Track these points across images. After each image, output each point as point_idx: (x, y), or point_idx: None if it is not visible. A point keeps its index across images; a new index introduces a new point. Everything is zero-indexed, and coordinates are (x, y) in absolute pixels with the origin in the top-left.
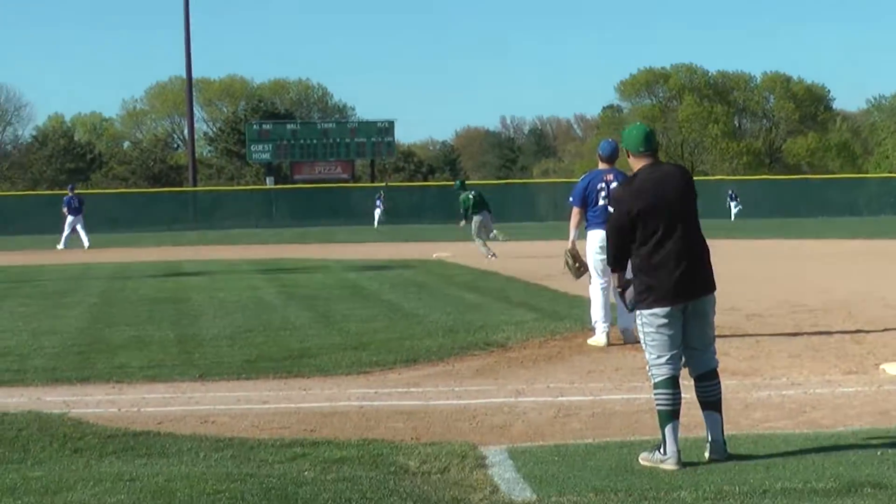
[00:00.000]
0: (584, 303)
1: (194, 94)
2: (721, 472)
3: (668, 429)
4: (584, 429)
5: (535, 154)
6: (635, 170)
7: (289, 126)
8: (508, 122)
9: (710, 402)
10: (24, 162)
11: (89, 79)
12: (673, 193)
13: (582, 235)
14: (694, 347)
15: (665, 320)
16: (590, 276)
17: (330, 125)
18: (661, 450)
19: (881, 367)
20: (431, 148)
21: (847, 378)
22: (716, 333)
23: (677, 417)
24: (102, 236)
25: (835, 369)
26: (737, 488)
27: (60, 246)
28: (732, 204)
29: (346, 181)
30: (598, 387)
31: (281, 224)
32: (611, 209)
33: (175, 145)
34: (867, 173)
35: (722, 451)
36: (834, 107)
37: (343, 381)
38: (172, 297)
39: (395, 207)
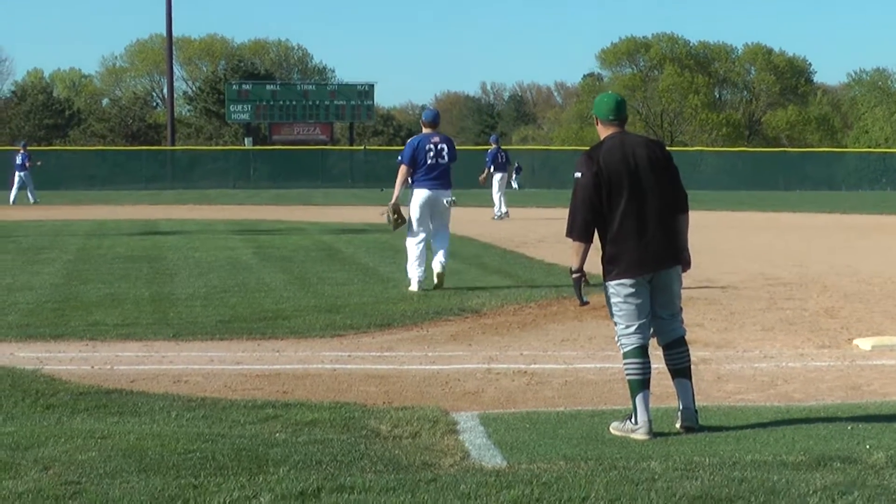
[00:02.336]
0: (560, 271)
1: (174, 52)
2: (691, 443)
3: (638, 398)
4: (555, 397)
5: (514, 120)
6: (602, 138)
7: (268, 87)
8: (488, 87)
9: (680, 369)
10: (3, 117)
11: (69, 35)
12: (640, 163)
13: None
14: (661, 317)
15: (632, 290)
16: (409, 230)
17: (310, 87)
18: (632, 419)
19: (854, 341)
20: (411, 112)
21: (820, 352)
22: (687, 305)
23: (647, 387)
24: (80, 193)
25: (808, 343)
26: (707, 459)
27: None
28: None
29: (324, 143)
30: (571, 355)
31: (259, 185)
32: (576, 175)
33: (154, 104)
34: (846, 147)
35: (693, 419)
36: (814, 80)
37: (317, 343)
38: (148, 256)
39: (374, 171)
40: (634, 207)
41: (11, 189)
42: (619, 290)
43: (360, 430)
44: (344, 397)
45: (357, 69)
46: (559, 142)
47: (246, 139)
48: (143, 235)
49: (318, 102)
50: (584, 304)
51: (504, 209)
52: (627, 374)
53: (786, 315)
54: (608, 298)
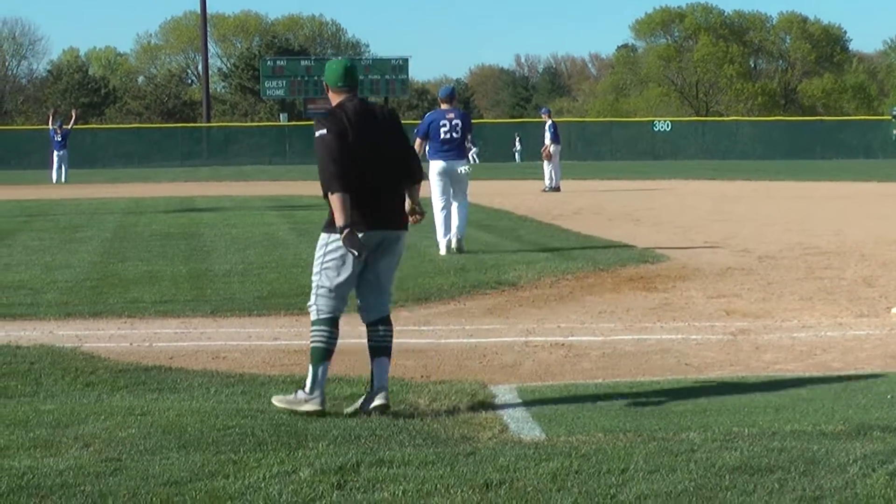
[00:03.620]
0: (596, 242)
1: (209, 29)
2: (730, 413)
3: (320, 369)
4: (593, 369)
5: (549, 93)
6: (335, 103)
7: (303, 62)
8: (523, 60)
9: (382, 347)
10: (39, 96)
11: (104, 13)
12: (376, 128)
13: None
14: (370, 292)
15: (350, 255)
16: (432, 200)
17: None
18: (307, 389)
19: (893, 310)
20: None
21: (858, 321)
22: (724, 275)
23: (329, 359)
24: (116, 171)
25: (846, 312)
26: (746, 430)
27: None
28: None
29: None
30: (608, 327)
31: (294, 161)
32: (322, 132)
33: (189, 81)
34: (883, 115)
35: (387, 396)
36: (850, 48)
37: (354, 318)
38: (185, 233)
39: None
40: (372, 169)
41: (51, 169)
42: (336, 248)
43: (398, 405)
44: None
45: (391, 43)
46: (594, 114)
47: (281, 115)
48: (180, 212)
49: None
50: (359, 257)
51: (555, 182)
52: (313, 341)
53: (824, 284)
54: (320, 258)
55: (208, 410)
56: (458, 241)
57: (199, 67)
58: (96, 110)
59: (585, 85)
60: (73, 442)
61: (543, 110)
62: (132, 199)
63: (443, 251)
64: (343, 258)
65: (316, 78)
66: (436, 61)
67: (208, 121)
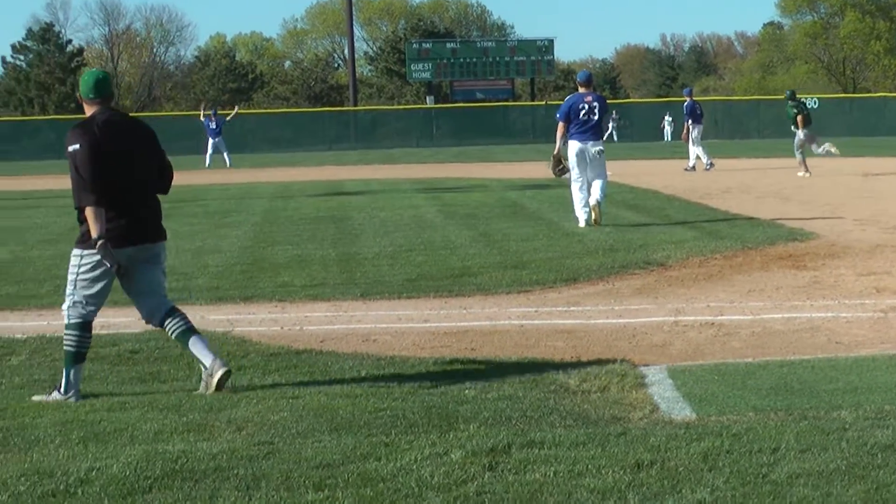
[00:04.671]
0: (745, 220)
1: (354, 13)
2: (882, 391)
3: (72, 370)
4: (743, 348)
5: (695, 72)
6: (88, 115)
7: (448, 45)
8: (668, 39)
9: (185, 330)
10: (187, 82)
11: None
12: (134, 141)
13: None
14: (147, 299)
15: (104, 267)
16: (568, 178)
17: (489, 44)
18: (62, 390)
19: None
20: (591, 66)
21: None
22: (874, 253)
23: (82, 361)
24: (264, 156)
25: None
26: None
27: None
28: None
29: (505, 100)
30: (758, 306)
31: (441, 143)
32: (74, 147)
33: (335, 65)
34: None
35: (222, 362)
36: None
37: (503, 299)
38: (333, 216)
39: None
40: (124, 182)
41: (206, 153)
42: (91, 259)
43: (548, 386)
44: (531, 353)
45: (536, 25)
46: (741, 92)
47: (427, 98)
48: (328, 196)
49: (498, 59)
50: (116, 268)
51: (707, 160)
52: (66, 345)
53: None
54: (75, 268)
55: (359, 393)
56: (594, 207)
57: (346, 51)
58: (244, 95)
59: (732, 63)
60: (226, 426)
61: (686, 90)
62: (281, 184)
63: (581, 224)
64: (97, 274)
65: (462, 60)
66: (581, 42)
67: (355, 104)
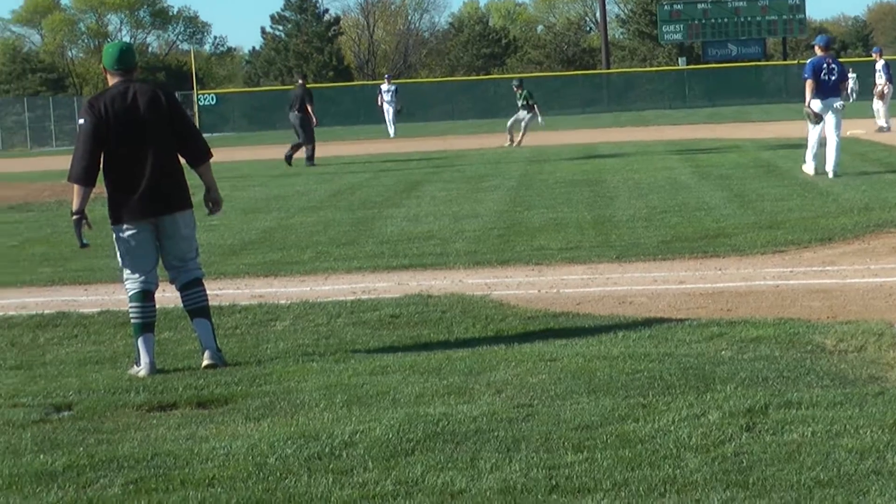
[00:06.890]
0: None
1: None
2: None
3: (140, 341)
4: None
5: None
6: (110, 85)
7: (700, 6)
8: None
9: (197, 309)
10: (441, 49)
11: None
12: (143, 112)
13: None
14: (171, 263)
15: (134, 231)
16: (813, 125)
17: (741, 3)
18: (137, 361)
19: None
20: (843, 24)
21: None
22: None
23: (151, 330)
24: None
25: None
26: None
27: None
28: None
29: (757, 60)
30: None
31: (694, 105)
32: (80, 122)
33: (588, 28)
34: None
35: (217, 357)
36: None
37: (758, 260)
38: (588, 180)
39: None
40: (136, 155)
41: (388, 124)
42: (122, 235)
43: (804, 346)
44: (787, 313)
45: None
46: None
47: (680, 59)
48: (583, 159)
49: (749, 19)
50: (84, 246)
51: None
52: (131, 318)
53: None
54: (114, 242)
55: (616, 355)
56: (834, 171)
57: (598, 14)
58: (497, 60)
59: None
60: (486, 388)
61: (875, 49)
62: (535, 148)
63: (810, 171)
64: (132, 246)
65: (713, 20)
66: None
67: (608, 67)
